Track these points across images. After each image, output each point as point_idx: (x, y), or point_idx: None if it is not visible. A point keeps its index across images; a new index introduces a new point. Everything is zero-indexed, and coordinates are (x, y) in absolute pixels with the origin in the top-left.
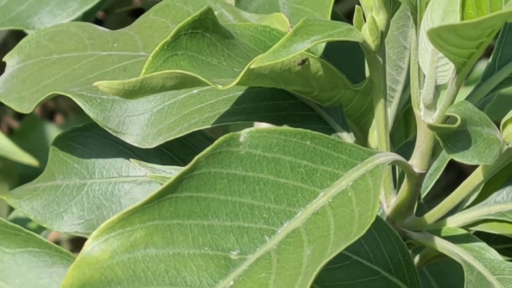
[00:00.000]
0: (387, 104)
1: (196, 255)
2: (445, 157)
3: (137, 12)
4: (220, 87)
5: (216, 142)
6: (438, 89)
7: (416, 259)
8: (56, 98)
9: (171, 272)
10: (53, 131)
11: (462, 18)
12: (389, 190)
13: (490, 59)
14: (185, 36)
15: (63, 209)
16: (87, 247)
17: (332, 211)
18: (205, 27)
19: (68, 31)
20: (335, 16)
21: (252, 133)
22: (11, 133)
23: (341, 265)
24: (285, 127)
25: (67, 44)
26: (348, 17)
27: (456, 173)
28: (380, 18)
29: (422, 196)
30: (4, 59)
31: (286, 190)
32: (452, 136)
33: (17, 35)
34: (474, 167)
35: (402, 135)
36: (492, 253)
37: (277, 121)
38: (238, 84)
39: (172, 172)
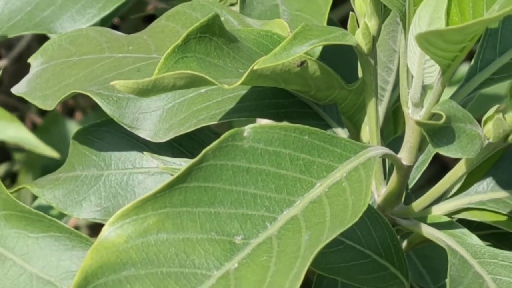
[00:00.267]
0: (378, 102)
1: (203, 240)
2: (430, 151)
3: (150, 18)
4: (226, 86)
5: (222, 137)
6: (425, 88)
7: (404, 244)
8: (75, 96)
9: (180, 255)
10: (73, 126)
11: (447, 24)
12: (380, 181)
13: (472, 62)
14: (194, 40)
15: (82, 197)
16: (104, 232)
17: (328, 200)
18: (212, 31)
19: (87, 35)
20: (331, 22)
21: (255, 129)
22: (35, 129)
23: (336, 249)
24: (285, 123)
25: (86, 47)
26: (343, 23)
27: (440, 166)
28: (372, 24)
29: (410, 187)
30: (29, 60)
31: (286, 180)
32: (438, 131)
33: (40, 39)
34: (457, 160)
35: (392, 130)
36: (473, 239)
37: (277, 118)
38: (242, 83)
39: (182, 164)
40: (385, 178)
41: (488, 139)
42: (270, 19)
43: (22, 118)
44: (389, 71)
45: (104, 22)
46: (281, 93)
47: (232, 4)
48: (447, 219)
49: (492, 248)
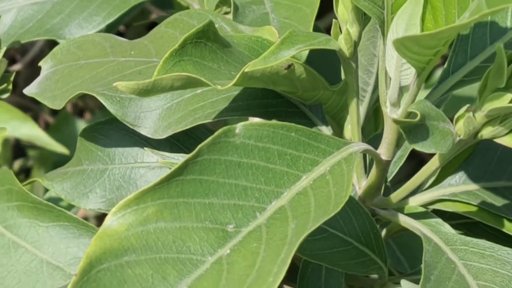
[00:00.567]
0: (359, 102)
1: (198, 228)
2: (407, 147)
3: (153, 26)
4: (219, 87)
5: (215, 133)
6: (401, 90)
7: (383, 232)
8: (84, 97)
9: (177, 242)
10: (82, 125)
11: (422, 30)
12: (361, 174)
13: (445, 65)
14: (190, 45)
15: (89, 189)
16: (107, 221)
17: (313, 191)
18: (207, 37)
19: (93, 40)
20: (316, 29)
21: (246, 126)
22: (47, 127)
23: (320, 237)
24: (273, 121)
25: (92, 51)
26: (328, 30)
27: (417, 161)
28: (353, 30)
29: (388, 180)
30: (40, 64)
31: (274, 174)
32: (413, 129)
33: (52, 45)
34: (432, 155)
35: (372, 128)
36: (446, 228)
37: (267, 116)
38: (234, 85)
39: (180, 159)
40: (365, 171)
41: (459, 136)
42: (260, 26)
43: (35, 118)
44: (370, 74)
45: (110, 29)
46: (270, 93)
47: (226, 13)
48: (423, 209)
49: (463, 236)
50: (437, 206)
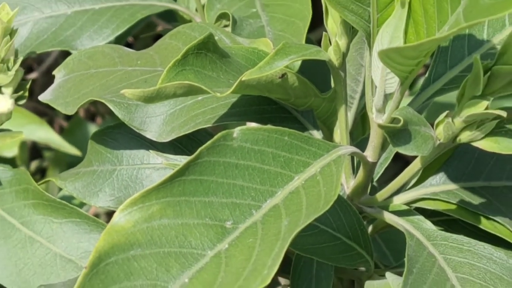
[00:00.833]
0: (347, 108)
1: (199, 224)
2: (392, 149)
3: (159, 37)
4: (218, 95)
5: (215, 137)
6: (386, 97)
7: (370, 228)
8: (96, 103)
9: (180, 238)
10: (94, 129)
11: (405, 42)
12: (349, 175)
13: (426, 74)
14: (192, 55)
15: (98, 188)
16: (115, 218)
17: (304, 191)
18: (207, 48)
19: (102, 51)
20: (308, 41)
21: (243, 131)
22: (61, 131)
23: (311, 232)
24: (268, 126)
25: (102, 61)
26: (318, 41)
27: (401, 163)
28: (342, 42)
29: (374, 180)
30: (54, 73)
31: (269, 174)
32: (397, 133)
33: (66, 55)
34: (414, 157)
35: (359, 132)
36: (428, 224)
37: (262, 121)
38: (232, 92)
39: (182, 160)
40: (353, 172)
41: (439, 140)
42: (257, 38)
43: (50, 122)
44: (357, 82)
45: (119, 40)
46: (265, 100)
47: (225, 26)
48: (406, 207)
49: (443, 232)
50: (419, 204)
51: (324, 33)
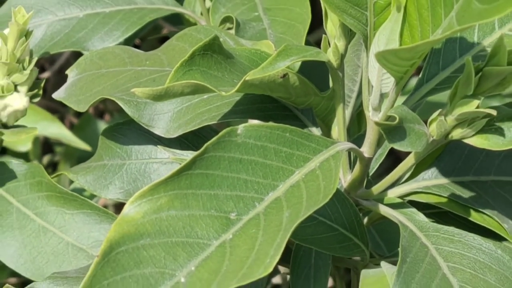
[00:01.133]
0: (345, 107)
1: (205, 216)
2: (386, 146)
3: (164, 39)
4: (223, 93)
5: (220, 133)
6: (382, 96)
7: (365, 220)
8: (105, 101)
9: (186, 228)
10: (102, 126)
11: (400, 44)
12: (346, 169)
13: (420, 75)
14: (198, 56)
15: (109, 181)
16: (125, 209)
17: (305, 184)
18: (213, 49)
19: (113, 52)
20: (307, 43)
21: (246, 127)
22: (72, 127)
23: (310, 224)
24: (270, 123)
25: (112, 61)
26: (318, 44)
27: (393, 158)
28: (340, 44)
29: (370, 174)
30: (67, 72)
31: (271, 169)
32: (392, 130)
33: (77, 55)
34: (408, 153)
35: (356, 129)
36: (420, 216)
37: (264, 119)
38: (236, 91)
39: (188, 155)
40: (350, 167)
41: (432, 137)
42: (259, 40)
43: (62, 119)
44: (354, 82)
45: (128, 42)
46: (268, 99)
47: (229, 28)
48: (400, 200)
49: (435, 224)
50: (412, 198)
51: (323, 35)
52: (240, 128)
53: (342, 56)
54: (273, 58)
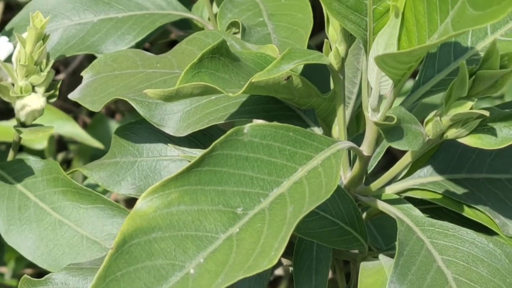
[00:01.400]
0: (345, 108)
1: (213, 211)
2: (384, 145)
3: (172, 43)
4: (230, 94)
5: (227, 133)
6: (381, 97)
7: (364, 215)
8: (116, 101)
9: (196, 222)
10: (113, 125)
11: (398, 48)
12: (346, 167)
13: (416, 78)
14: (207, 59)
15: (121, 178)
16: (138, 204)
17: (307, 181)
18: (220, 53)
19: (126, 55)
20: (308, 47)
21: (252, 127)
22: (85, 126)
23: (312, 218)
24: (275, 123)
25: (125, 64)
26: (318, 47)
27: (389, 156)
28: (341, 48)
29: (369, 172)
30: (82, 74)
31: (276, 166)
32: (391, 130)
33: (90, 58)
34: (403, 152)
35: (354, 129)
36: (416, 212)
37: (269, 119)
38: (243, 92)
39: (197, 153)
40: (350, 165)
41: (428, 136)
42: (264, 44)
43: (75, 118)
44: (354, 84)
45: (138, 45)
46: (272, 100)
47: (235, 33)
48: (397, 196)
49: (430, 219)
50: (409, 194)
51: (325, 40)
52: (247, 127)
53: (343, 60)
54: (278, 61)
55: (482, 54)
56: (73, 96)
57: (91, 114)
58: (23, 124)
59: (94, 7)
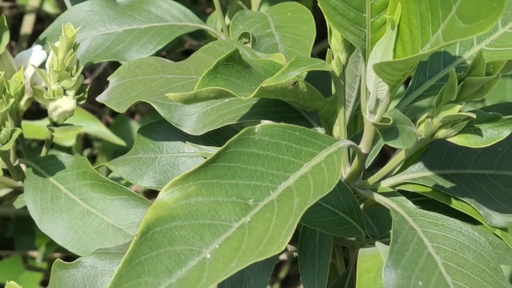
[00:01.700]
0: (345, 110)
1: (227, 202)
2: (380, 143)
3: (187, 52)
4: (243, 98)
5: (240, 132)
6: (378, 101)
7: (362, 206)
8: (136, 104)
9: (212, 212)
10: (134, 124)
11: (394, 57)
12: (346, 163)
13: (409, 83)
14: (222, 66)
15: (143, 172)
16: (160, 196)
17: (312, 176)
18: (234, 60)
19: (147, 62)
20: (312, 55)
21: (262, 127)
22: (108, 126)
23: (316, 209)
24: (282, 123)
25: (147, 70)
26: (320, 55)
27: (382, 153)
28: (342, 57)
29: (366, 167)
30: (108, 78)
31: (283, 162)
32: (387, 130)
33: (113, 65)
34: (395, 149)
35: (353, 129)
36: (409, 204)
37: (277, 120)
38: (254, 96)
39: (212, 150)
40: (349, 161)
41: (420, 136)
42: (272, 53)
43: (99, 118)
44: (353, 89)
45: (158, 53)
46: (280, 103)
47: (246, 42)
48: (391, 190)
49: (421, 210)
50: (402, 187)
51: (328, 49)
52: (257, 127)
53: (344, 67)
54: (286, 68)
55: (469, 62)
56: (100, 98)
57: (113, 114)
58: (55, 124)
59: (119, 19)
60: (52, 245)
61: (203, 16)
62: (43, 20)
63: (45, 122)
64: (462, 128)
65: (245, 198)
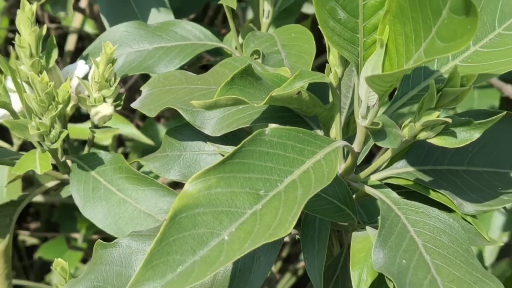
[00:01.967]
0: (341, 115)
1: (242, 192)
2: (370, 143)
3: (205, 67)
4: (255, 105)
5: (253, 134)
6: (368, 108)
7: (354, 196)
8: (163, 110)
9: (229, 201)
10: (160, 127)
11: (383, 71)
12: (341, 160)
13: (395, 93)
14: (237, 78)
15: (170, 167)
16: (185, 187)
17: (313, 171)
18: (247, 73)
19: (174, 74)
20: (313, 69)
21: (271, 129)
22: (138, 128)
23: (316, 199)
24: (287, 127)
25: (174, 81)
26: (318, 68)
27: (369, 153)
28: (339, 70)
29: (358, 164)
30: (141, 88)
31: (289, 159)
32: (377, 132)
33: (143, 77)
34: (380, 148)
35: (345, 132)
36: (394, 194)
37: (283, 123)
38: (264, 104)
39: (229, 149)
40: (344, 158)
41: (404, 137)
42: (279, 67)
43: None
44: (347, 97)
45: (182, 67)
46: (285, 109)
47: (256, 58)
48: (379, 183)
49: (405, 200)
50: (388, 181)
51: (327, 64)
52: (267, 129)
53: (340, 79)
54: (291, 80)
55: (445, 75)
56: (134, 105)
57: (143, 118)
58: (96, 126)
59: (149, 38)
60: (91, 229)
61: (219, 36)
62: (83, 39)
63: (86, 124)
64: (439, 131)
65: (257, 189)
